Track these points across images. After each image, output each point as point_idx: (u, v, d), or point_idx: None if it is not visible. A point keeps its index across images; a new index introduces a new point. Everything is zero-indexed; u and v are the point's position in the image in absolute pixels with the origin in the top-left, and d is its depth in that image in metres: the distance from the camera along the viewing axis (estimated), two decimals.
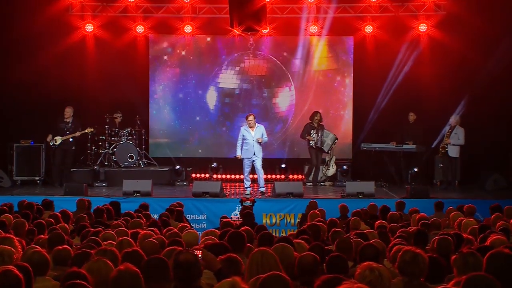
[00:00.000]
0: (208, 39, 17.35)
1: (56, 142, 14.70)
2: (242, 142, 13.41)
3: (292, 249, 5.42)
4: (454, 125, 14.68)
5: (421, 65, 16.23)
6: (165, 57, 17.29)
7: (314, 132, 15.08)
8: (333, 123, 16.91)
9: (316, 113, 15.38)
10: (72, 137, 14.79)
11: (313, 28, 16.60)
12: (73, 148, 14.98)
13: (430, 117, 15.64)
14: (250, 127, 13.41)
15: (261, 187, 13.61)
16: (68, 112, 14.95)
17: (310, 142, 15.11)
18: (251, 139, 13.28)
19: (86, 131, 15.06)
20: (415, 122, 15.54)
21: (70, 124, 14.85)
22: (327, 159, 15.65)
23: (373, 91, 16.54)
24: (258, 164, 13.43)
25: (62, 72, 15.97)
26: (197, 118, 17.30)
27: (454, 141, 14.56)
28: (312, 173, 15.30)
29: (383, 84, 16.46)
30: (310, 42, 17.11)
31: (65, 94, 15.76)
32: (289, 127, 17.14)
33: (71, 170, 15.04)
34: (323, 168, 15.60)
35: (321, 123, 15.21)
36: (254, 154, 13.32)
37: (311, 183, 15.18)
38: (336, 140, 15.33)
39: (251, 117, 13.44)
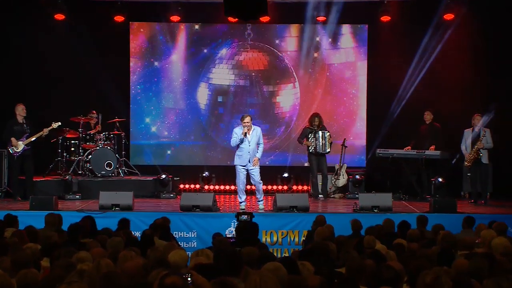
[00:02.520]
0: (198, 28, 17.41)
1: (17, 149, 14.44)
2: (237, 146, 13.30)
3: (284, 270, 5.43)
4: (480, 127, 14.37)
5: (447, 58, 16.28)
6: (149, 49, 17.33)
7: (311, 136, 15.09)
8: (344, 126, 16.97)
9: (314, 115, 15.37)
10: (37, 138, 14.49)
11: (321, 15, 16.64)
12: (31, 153, 14.69)
13: (455, 118, 15.58)
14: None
15: (259, 201, 13.55)
16: (23, 110, 14.56)
17: (309, 147, 15.13)
18: (247, 144, 13.13)
19: (53, 126, 14.72)
20: (433, 123, 15.41)
21: (25, 126, 14.58)
22: (336, 167, 15.67)
23: (391, 88, 16.59)
24: (256, 177, 13.20)
25: (27, 66, 16.01)
26: (186, 120, 17.33)
27: (484, 144, 14.30)
28: (320, 184, 15.26)
29: (402, 80, 16.50)
30: (317, 31, 17.16)
31: (31, 91, 15.78)
32: (293, 130, 17.18)
33: (34, 180, 14.91)
34: (332, 178, 15.61)
35: (322, 126, 15.21)
36: (249, 162, 13.25)
37: (321, 195, 15.18)
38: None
39: (247, 119, 13.22)
